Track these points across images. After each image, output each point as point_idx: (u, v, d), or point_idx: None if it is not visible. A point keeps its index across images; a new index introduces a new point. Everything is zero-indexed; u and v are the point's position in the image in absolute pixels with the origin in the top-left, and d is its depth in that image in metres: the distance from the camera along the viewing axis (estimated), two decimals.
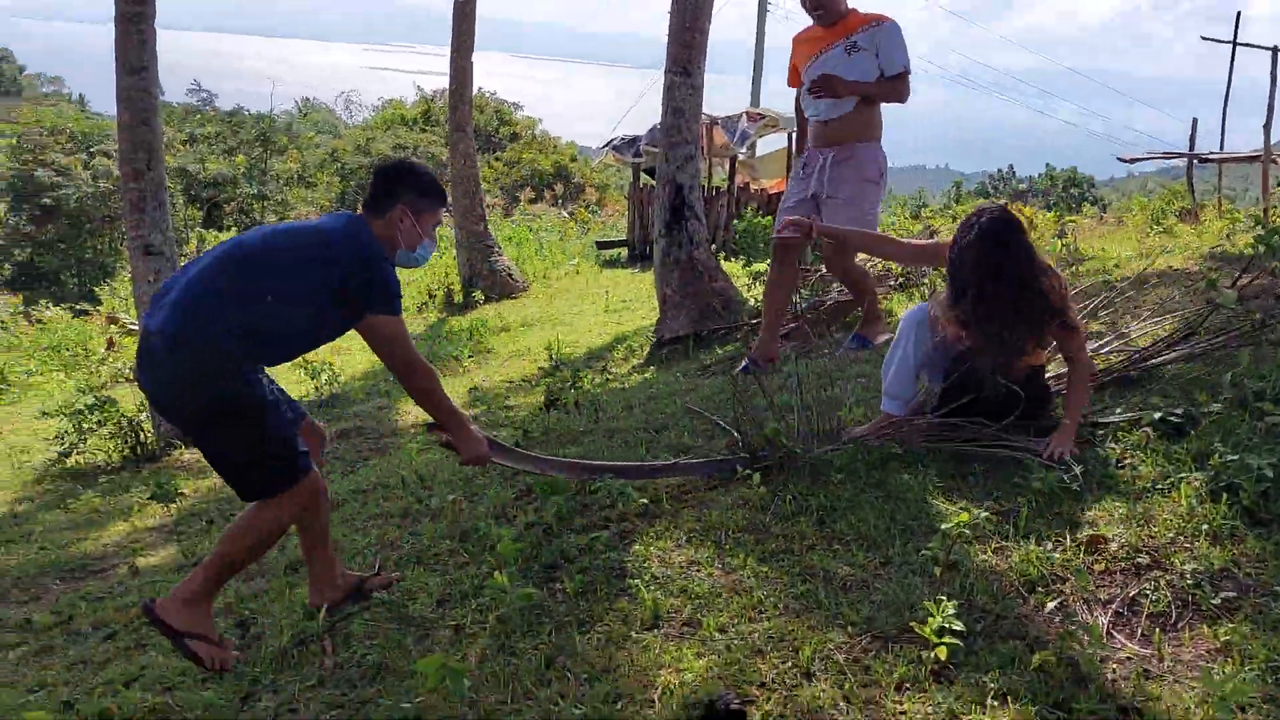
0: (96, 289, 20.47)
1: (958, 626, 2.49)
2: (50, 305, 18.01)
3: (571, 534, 3.66)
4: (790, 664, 2.65)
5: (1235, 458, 3.01)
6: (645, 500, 3.82)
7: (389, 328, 3.23)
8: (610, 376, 7.10)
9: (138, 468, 7.49)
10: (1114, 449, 3.55)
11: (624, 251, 16.34)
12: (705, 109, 10.52)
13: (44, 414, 8.43)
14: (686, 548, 3.47)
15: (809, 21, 5.65)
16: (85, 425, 7.77)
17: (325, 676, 3.08)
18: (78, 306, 18.34)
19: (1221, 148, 12.08)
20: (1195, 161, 12.00)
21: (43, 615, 4.45)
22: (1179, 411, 3.59)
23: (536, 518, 3.82)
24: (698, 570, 3.29)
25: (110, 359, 12.64)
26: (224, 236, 20.48)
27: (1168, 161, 14.52)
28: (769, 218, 15.33)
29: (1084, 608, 2.70)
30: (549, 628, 3.07)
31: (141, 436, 7.91)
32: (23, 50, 60.78)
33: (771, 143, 17.73)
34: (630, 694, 2.64)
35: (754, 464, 3.87)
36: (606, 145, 18.06)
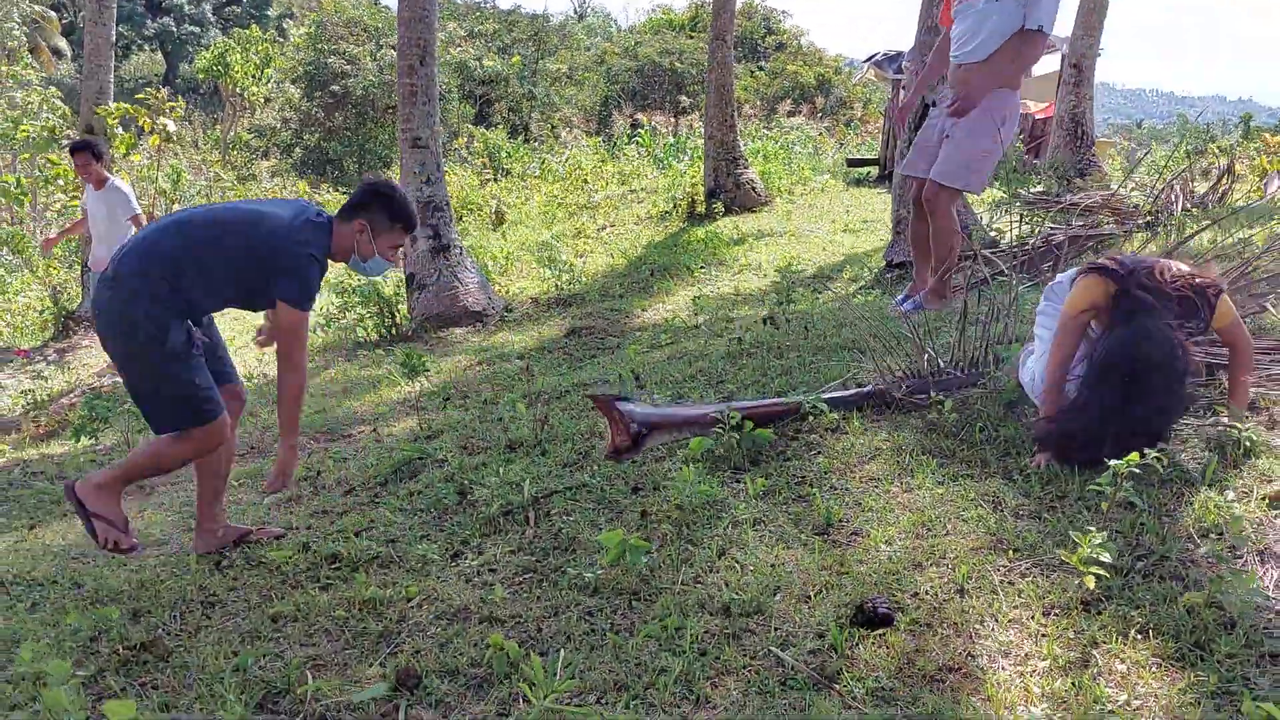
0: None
1: (1105, 558, 2.52)
2: (332, 189, 19.58)
3: (762, 441, 3.85)
4: (946, 579, 2.76)
5: None
6: (838, 416, 3.95)
7: (289, 318, 3.48)
8: (832, 295, 7.16)
9: (391, 345, 8.23)
10: None
11: (874, 170, 16.00)
12: None
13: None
14: (870, 464, 3.60)
15: None
16: (349, 303, 8.58)
17: (524, 544, 3.45)
18: None
19: None
20: None
21: (307, 461, 5.11)
22: None
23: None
24: (875, 485, 3.42)
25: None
26: (492, 135, 21.57)
27: None
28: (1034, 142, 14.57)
29: (1255, 559, 2.65)
30: (727, 522, 3.30)
31: (397, 317, 8.67)
32: None
33: (1045, 64, 16.70)
34: (789, 589, 2.83)
35: (940, 389, 3.91)
36: (869, 59, 17.59)
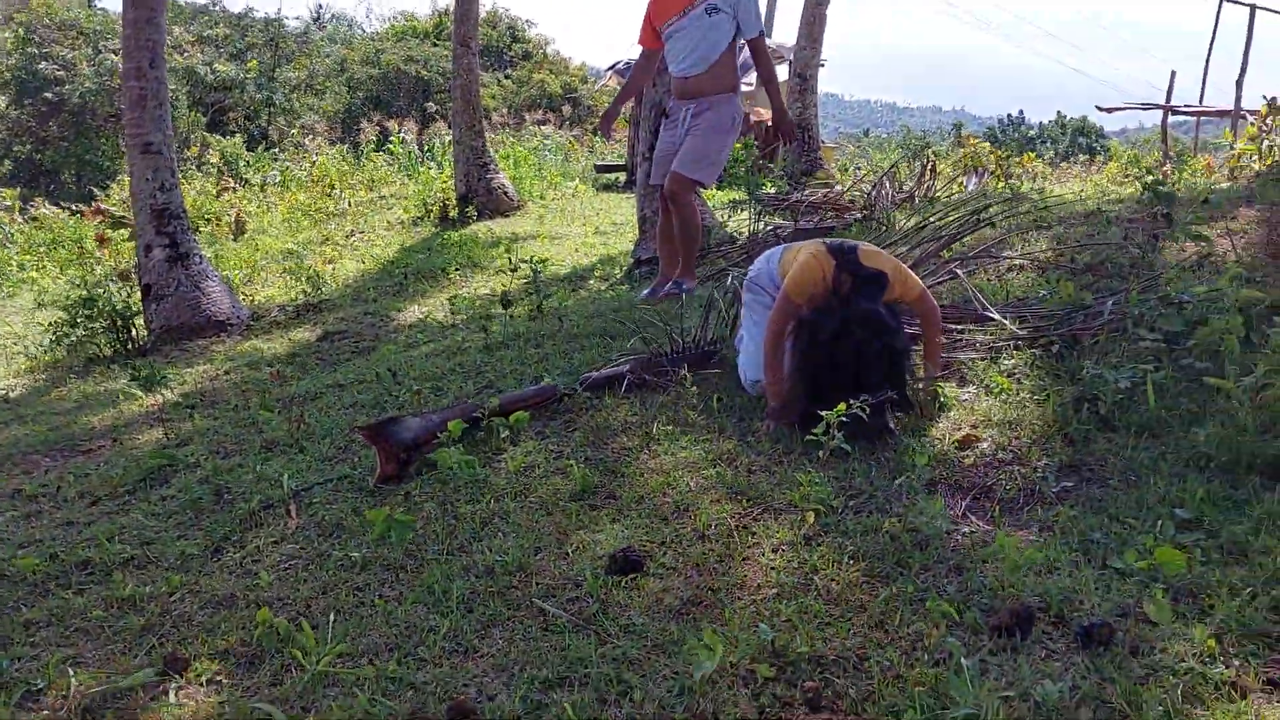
0: (96, 189, 20.67)
1: (821, 496, 2.88)
2: (46, 203, 18.16)
3: (521, 423, 4.04)
4: (689, 529, 3.05)
5: (1098, 373, 3.38)
6: (590, 396, 4.21)
7: None
8: (585, 290, 7.45)
9: (127, 361, 7.81)
10: (1007, 364, 3.93)
11: (622, 175, 16.54)
12: None
13: (39, 305, 8.75)
14: (621, 436, 3.86)
15: None
16: (78, 318, 8.08)
17: (287, 534, 3.49)
18: (74, 207, 18.56)
19: (1201, 101, 12.28)
20: (1171, 113, 12.23)
21: (31, 485, 4.84)
22: (1060, 333, 3.97)
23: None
24: (626, 454, 3.69)
25: (106, 256, 12.94)
26: (229, 143, 20.67)
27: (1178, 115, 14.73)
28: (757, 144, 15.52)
29: (946, 491, 3.10)
30: (489, 497, 3.47)
31: (133, 331, 8.25)
32: None
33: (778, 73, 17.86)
34: (549, 548, 3.04)
35: (686, 364, 4.24)
36: (611, 68, 18.15)
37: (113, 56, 25.90)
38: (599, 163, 17.87)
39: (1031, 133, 43.00)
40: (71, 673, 2.60)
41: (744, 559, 2.84)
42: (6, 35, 28.38)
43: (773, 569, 2.77)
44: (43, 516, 4.29)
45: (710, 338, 4.57)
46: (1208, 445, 3.08)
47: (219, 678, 2.54)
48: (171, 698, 2.46)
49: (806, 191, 9.53)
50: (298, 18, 44.56)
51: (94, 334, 8.15)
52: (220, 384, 6.41)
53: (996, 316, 4.39)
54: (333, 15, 59.21)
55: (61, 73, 25.87)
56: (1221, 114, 11.29)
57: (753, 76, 17.85)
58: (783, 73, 16.81)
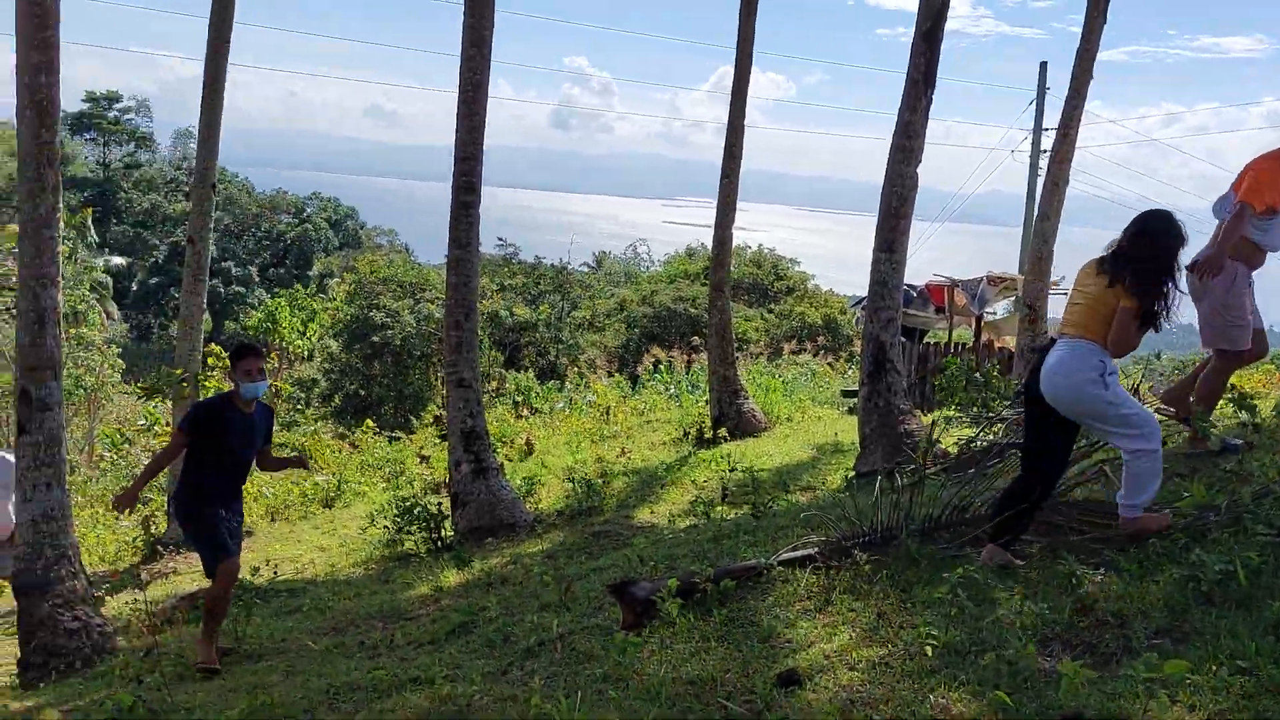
0: (412, 417, 24.01)
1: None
2: (370, 432, 21.21)
3: (728, 589, 5.21)
4: (839, 661, 4.07)
5: (1201, 558, 4.21)
6: (781, 568, 5.33)
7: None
8: (811, 494, 8.59)
9: (439, 556, 9.58)
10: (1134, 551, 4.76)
11: None
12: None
13: (371, 518, 10.85)
14: (805, 602, 4.93)
15: None
16: (401, 524, 10.02)
17: (555, 660, 4.76)
18: (393, 435, 21.61)
19: None
20: None
21: (371, 639, 6.42)
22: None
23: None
24: (805, 613, 4.75)
25: (422, 472, 15.33)
26: (523, 377, 23.60)
27: None
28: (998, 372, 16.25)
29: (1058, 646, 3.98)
30: (698, 637, 4.62)
31: (442, 531, 10.09)
32: (363, 205, 69.70)
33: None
34: (735, 669, 4.14)
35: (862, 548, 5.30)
36: (858, 303, 19.63)
37: (429, 305, 30.30)
38: (844, 388, 19.07)
39: None
40: None
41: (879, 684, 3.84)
42: (342, 290, 33.79)
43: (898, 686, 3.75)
44: (382, 656, 5.82)
45: (886, 523, 5.57)
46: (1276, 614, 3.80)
47: None
48: None
49: None
50: (584, 265, 49.65)
51: (413, 534, 10.03)
52: (508, 570, 7.94)
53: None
54: (614, 257, 65.21)
55: (388, 319, 30.35)
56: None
57: (996, 305, 18.81)
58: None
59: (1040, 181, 24.31)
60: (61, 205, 8.06)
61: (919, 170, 9.38)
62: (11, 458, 9.03)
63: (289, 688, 5.34)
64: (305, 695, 4.91)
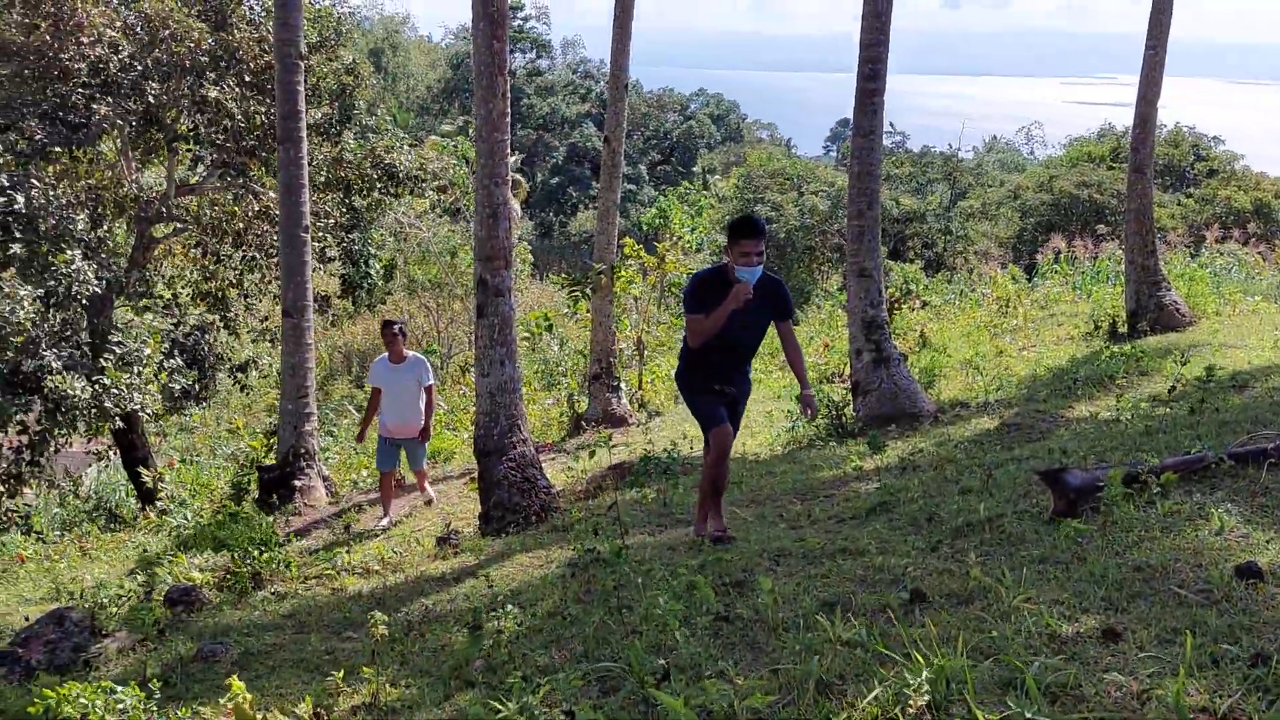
0: (799, 311, 24.45)
1: None
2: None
3: (1169, 483, 5.00)
4: None
5: None
6: (1233, 464, 5.02)
7: None
8: (1254, 391, 7.87)
9: (842, 441, 9.85)
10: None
11: None
12: None
13: (776, 397, 11.30)
14: (1262, 496, 4.64)
15: None
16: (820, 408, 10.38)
17: (985, 540, 4.86)
18: None
19: None
20: None
21: (789, 512, 6.82)
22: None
23: None
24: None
25: (817, 361, 15.67)
26: (910, 269, 23.19)
27: None
28: None
29: None
30: (1139, 528, 4.52)
31: (844, 419, 10.34)
32: (742, 99, 70.31)
33: None
34: (1185, 559, 4.03)
35: None
36: None
37: (813, 198, 30.37)
38: None
39: None
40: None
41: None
42: (729, 184, 34.63)
43: None
44: (804, 530, 6.20)
45: None
46: None
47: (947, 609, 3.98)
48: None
49: None
50: (973, 147, 47.33)
51: (819, 421, 10.39)
52: (918, 458, 8.06)
53: None
54: (1006, 142, 61.43)
55: (773, 213, 30.83)
56: None
57: None
58: None
59: None
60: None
61: None
62: (424, 358, 10.09)
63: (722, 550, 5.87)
64: (742, 557, 5.37)
